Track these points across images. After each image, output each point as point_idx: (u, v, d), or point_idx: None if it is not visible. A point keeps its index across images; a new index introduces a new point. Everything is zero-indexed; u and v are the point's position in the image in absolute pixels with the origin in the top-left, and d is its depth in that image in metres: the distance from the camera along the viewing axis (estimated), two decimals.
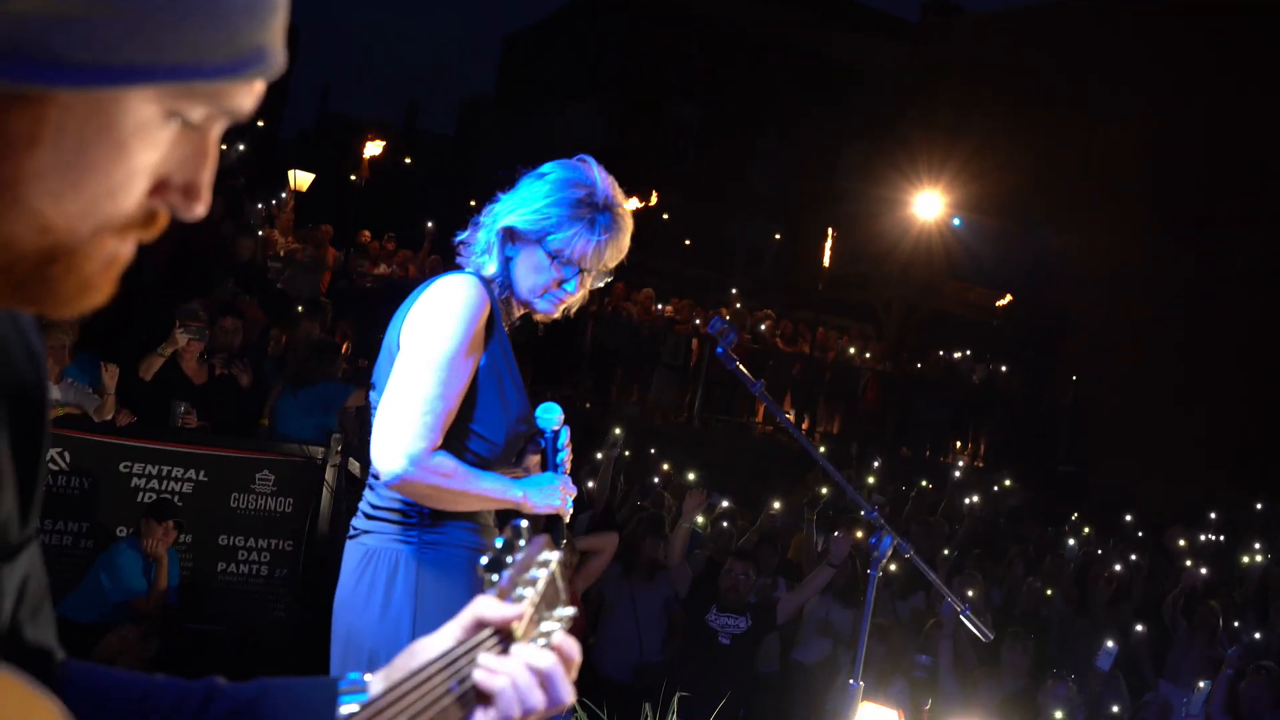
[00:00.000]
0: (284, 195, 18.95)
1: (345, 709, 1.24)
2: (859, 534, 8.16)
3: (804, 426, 16.92)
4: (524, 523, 1.37)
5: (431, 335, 2.73)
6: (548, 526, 2.88)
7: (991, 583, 10.27)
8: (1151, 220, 20.52)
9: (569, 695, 1.27)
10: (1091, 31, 22.42)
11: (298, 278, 14.24)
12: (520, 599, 1.29)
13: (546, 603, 1.33)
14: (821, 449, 15.96)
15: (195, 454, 7.28)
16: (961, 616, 3.19)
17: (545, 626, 1.31)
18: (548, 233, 2.82)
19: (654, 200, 24.51)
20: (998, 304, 22.90)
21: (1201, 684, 6.65)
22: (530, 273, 2.87)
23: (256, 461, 7.44)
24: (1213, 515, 15.20)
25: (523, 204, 2.84)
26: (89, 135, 0.87)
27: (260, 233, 14.10)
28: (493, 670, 1.25)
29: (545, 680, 1.25)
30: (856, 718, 5.63)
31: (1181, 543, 12.66)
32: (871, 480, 13.10)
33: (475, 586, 2.58)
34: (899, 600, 9.04)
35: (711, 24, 30.10)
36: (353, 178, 22.24)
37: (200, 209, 0.95)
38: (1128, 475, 18.31)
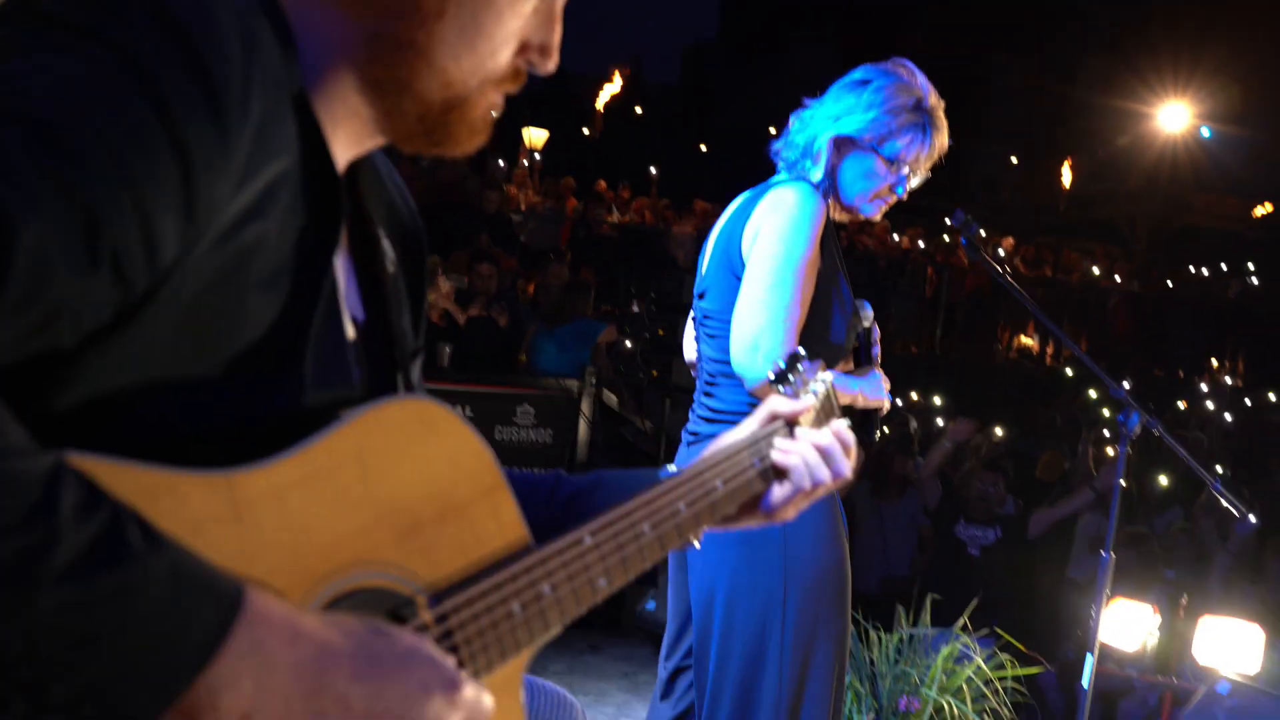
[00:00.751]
0: (520, 155, 19.62)
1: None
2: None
3: (1049, 353, 16.58)
4: (802, 350, 1.67)
5: (782, 244, 2.82)
6: (862, 421, 3.02)
7: (1257, 495, 9.98)
8: None
9: (849, 469, 1.55)
10: None
11: (540, 229, 14.80)
12: (805, 405, 1.59)
13: (825, 412, 1.63)
14: (1069, 371, 15.67)
15: (460, 391, 7.77)
16: (1213, 490, 3.26)
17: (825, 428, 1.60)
18: (883, 139, 2.89)
19: None
20: (1255, 213, 21.75)
21: None
22: (861, 178, 2.94)
23: (517, 396, 7.88)
24: None
25: (853, 111, 2.90)
26: (480, 7, 1.16)
27: (504, 188, 14.70)
28: (786, 450, 1.56)
29: (828, 455, 1.54)
30: (1109, 611, 5.69)
31: None
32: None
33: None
34: (1156, 516, 8.91)
35: None
36: (585, 131, 22.82)
37: (552, 65, 1.24)
38: None
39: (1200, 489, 9.27)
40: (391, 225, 1.33)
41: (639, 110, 24.57)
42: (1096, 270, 17.32)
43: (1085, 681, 3.10)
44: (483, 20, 1.16)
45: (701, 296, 3.01)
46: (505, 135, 20.20)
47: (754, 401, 2.85)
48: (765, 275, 2.81)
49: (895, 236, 16.13)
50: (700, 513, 1.46)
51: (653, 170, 18.46)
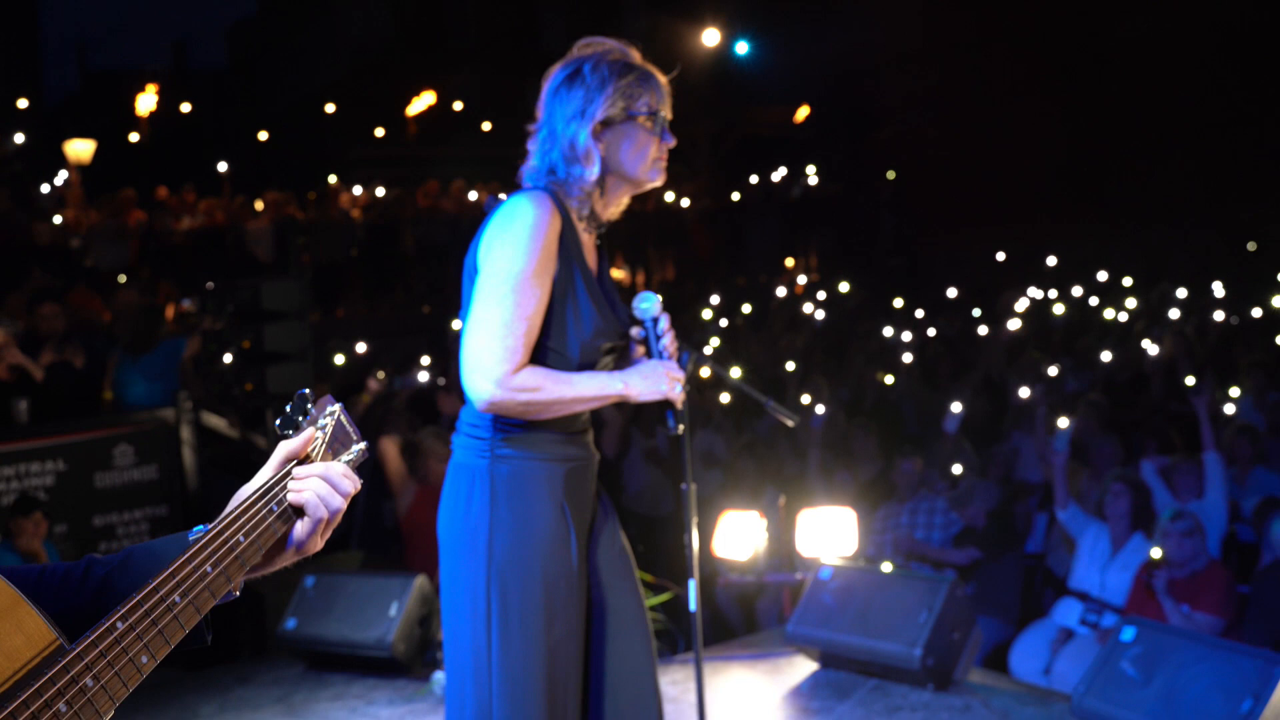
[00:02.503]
0: (64, 171, 18.32)
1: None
2: None
3: (639, 279, 17.29)
4: (308, 390, 1.80)
5: (498, 257, 2.84)
6: (662, 414, 3.04)
7: (839, 382, 10.87)
8: None
9: (355, 484, 1.71)
10: None
11: (105, 249, 13.93)
12: (314, 439, 1.72)
13: (339, 441, 1.77)
14: (659, 296, 16.28)
15: (49, 445, 7.31)
16: (766, 407, 3.58)
17: (343, 459, 1.76)
18: (630, 104, 2.93)
19: (433, 98, 24.23)
20: (797, 118, 23.37)
21: (1062, 423, 7.11)
22: (637, 149, 2.97)
23: (111, 438, 7.51)
24: (1051, 261, 16.20)
25: (592, 99, 2.92)
26: None
27: (57, 216, 13.72)
28: (298, 489, 1.69)
29: (335, 483, 1.69)
30: (719, 523, 6.10)
31: (1019, 304, 13.37)
32: (708, 315, 13.55)
33: (555, 494, 2.92)
34: (757, 420, 9.53)
35: None
36: (133, 136, 21.54)
37: None
38: (958, 247, 19.07)
39: (784, 388, 10.02)
40: None
41: (188, 107, 23.41)
42: (670, 195, 18.16)
43: (692, 605, 3.34)
44: None
45: (460, 316, 3.03)
46: (43, 155, 18.76)
47: (484, 418, 2.91)
48: (484, 293, 2.84)
49: (473, 195, 16.26)
50: (228, 568, 1.57)
51: (222, 167, 17.68)
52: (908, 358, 10.86)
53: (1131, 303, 13.15)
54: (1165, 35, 18.48)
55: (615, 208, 3.08)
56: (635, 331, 3.09)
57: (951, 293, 15.30)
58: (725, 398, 9.36)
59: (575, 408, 2.91)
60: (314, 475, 1.68)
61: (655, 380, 2.96)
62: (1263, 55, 18.05)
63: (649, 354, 3.07)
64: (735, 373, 9.50)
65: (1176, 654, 4.28)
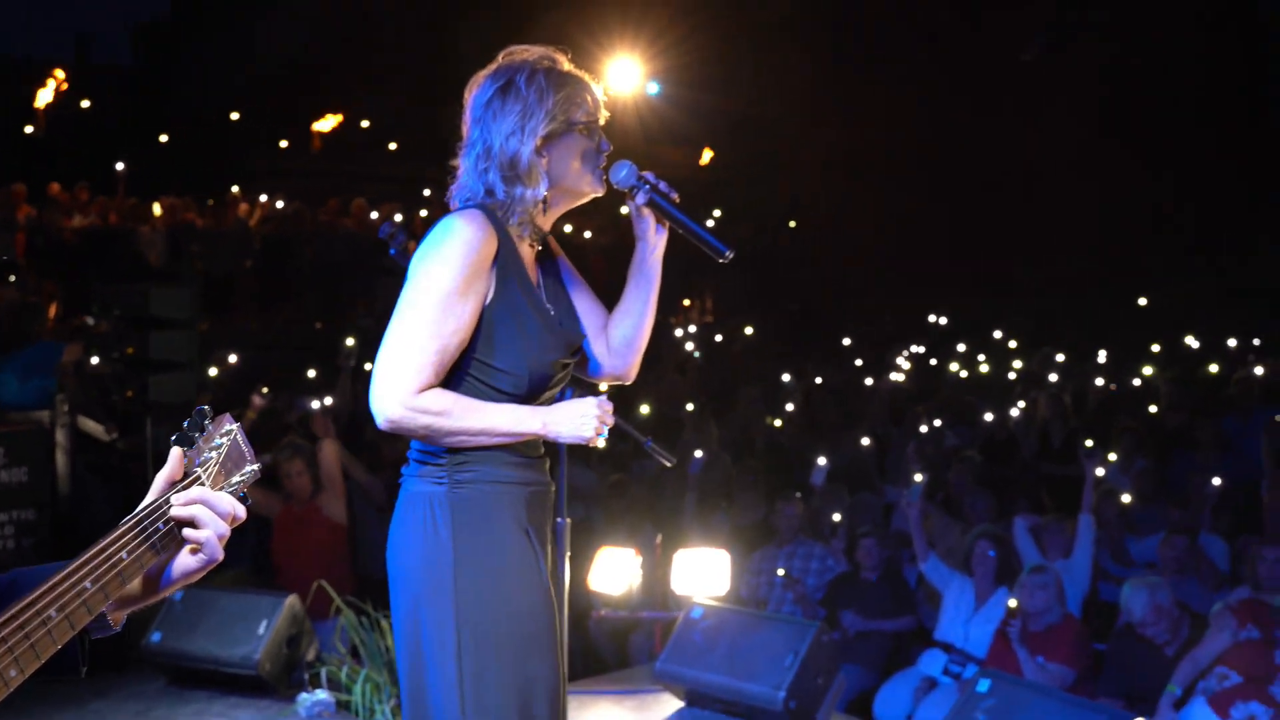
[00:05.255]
0: None
1: None
2: None
3: None
4: (207, 407, 1.79)
5: (422, 276, 2.73)
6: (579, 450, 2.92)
7: (727, 425, 10.98)
8: (835, 46, 21.52)
9: (234, 506, 1.72)
10: None
11: None
12: (207, 460, 1.72)
13: (232, 462, 1.77)
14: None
15: None
16: (645, 447, 3.64)
17: (235, 479, 1.76)
18: (567, 113, 2.84)
19: (341, 114, 24.05)
20: (701, 161, 23.64)
21: (918, 478, 7.37)
22: (578, 159, 2.88)
23: None
24: (942, 321, 16.59)
25: (531, 113, 2.82)
26: None
27: None
28: (179, 514, 1.70)
29: (213, 505, 1.70)
30: (597, 558, 6.15)
31: (902, 359, 13.70)
32: None
33: (518, 518, 2.81)
34: (635, 462, 9.54)
35: None
36: (29, 129, 21.04)
37: None
38: (853, 298, 19.42)
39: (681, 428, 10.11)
40: None
41: (87, 103, 22.92)
42: (569, 228, 18.21)
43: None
44: None
45: None
46: None
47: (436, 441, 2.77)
48: (401, 310, 2.75)
49: (375, 215, 16.15)
50: (107, 585, 1.56)
51: (119, 166, 17.36)
52: (790, 406, 11.04)
53: (1018, 364, 13.52)
54: (1055, 101, 19.16)
55: (553, 219, 3.00)
56: (637, 199, 2.95)
57: (845, 342, 15.58)
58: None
59: (483, 440, 2.75)
60: (195, 501, 1.69)
61: (579, 423, 2.79)
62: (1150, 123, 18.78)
63: (659, 217, 2.97)
64: (643, 410, 9.59)
65: (1028, 707, 4.41)
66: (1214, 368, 12.31)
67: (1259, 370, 11.26)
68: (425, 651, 2.76)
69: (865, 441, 9.77)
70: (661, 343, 15.43)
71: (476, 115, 2.88)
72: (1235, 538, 7.33)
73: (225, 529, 1.70)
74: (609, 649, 7.49)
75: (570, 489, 8.74)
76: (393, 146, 22.60)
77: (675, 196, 2.98)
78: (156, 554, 1.64)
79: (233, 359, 10.69)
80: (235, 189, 17.83)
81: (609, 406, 2.85)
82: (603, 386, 3.29)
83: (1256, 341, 14.05)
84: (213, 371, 10.46)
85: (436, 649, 2.74)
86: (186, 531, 1.67)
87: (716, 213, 20.60)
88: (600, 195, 2.99)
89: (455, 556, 2.74)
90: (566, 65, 2.94)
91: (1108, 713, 4.30)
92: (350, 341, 9.51)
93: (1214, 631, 5.64)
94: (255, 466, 1.82)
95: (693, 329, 16.98)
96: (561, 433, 2.80)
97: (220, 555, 1.69)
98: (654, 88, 21.43)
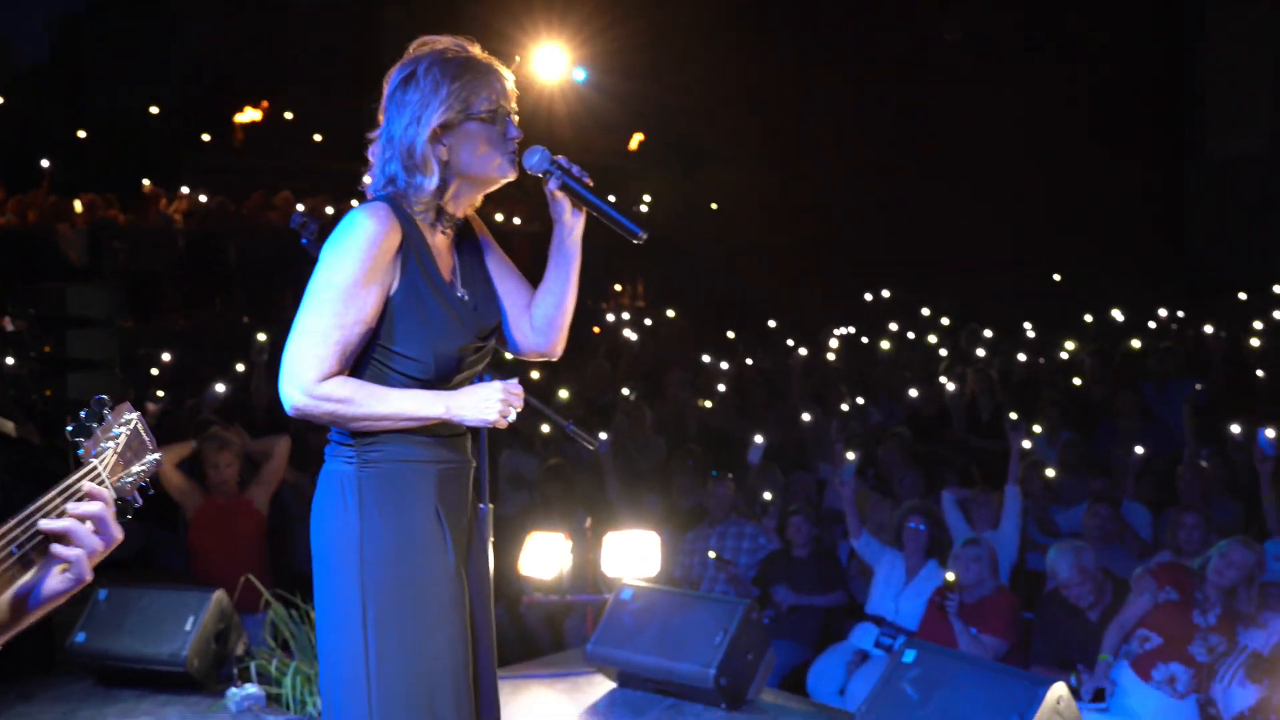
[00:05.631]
0: None
1: None
2: None
3: None
4: (105, 396, 1.74)
5: (325, 268, 2.81)
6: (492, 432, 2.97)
7: (661, 409, 11.00)
8: (764, 30, 21.59)
9: (118, 532, 1.62)
10: None
11: None
12: (104, 450, 1.67)
13: (132, 451, 1.72)
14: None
15: None
16: (567, 430, 3.64)
17: (135, 469, 1.71)
18: (468, 103, 2.87)
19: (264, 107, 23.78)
20: (631, 146, 23.62)
21: (850, 456, 7.42)
22: (482, 147, 2.91)
23: None
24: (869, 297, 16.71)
25: (428, 103, 2.86)
26: None
27: None
28: (77, 509, 1.65)
29: (100, 524, 1.61)
30: (527, 543, 6.15)
31: (832, 340, 13.80)
32: None
33: (426, 496, 2.87)
34: (570, 446, 9.54)
35: None
36: None
37: None
38: (779, 286, 19.51)
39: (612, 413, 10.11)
40: None
41: (0, 100, 22.43)
42: (499, 217, 18.14)
43: None
44: None
45: None
46: None
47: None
48: (306, 302, 2.82)
49: (301, 208, 15.96)
50: None
51: (45, 163, 17.01)
52: (722, 387, 11.08)
53: (934, 339, 13.70)
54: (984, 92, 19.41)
55: (471, 205, 3.05)
56: (550, 184, 2.99)
57: (771, 324, 15.66)
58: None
59: (388, 424, 2.83)
60: (70, 514, 1.64)
61: (483, 407, 2.85)
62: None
63: (574, 201, 2.99)
64: (563, 395, 9.57)
65: (953, 676, 4.47)
66: (1136, 342, 12.52)
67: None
68: (334, 621, 2.87)
69: (806, 417, 9.82)
70: (590, 327, 15.44)
71: (385, 106, 2.94)
72: (1159, 506, 7.47)
73: (98, 546, 1.63)
74: (543, 634, 7.49)
75: (514, 475, 8.84)
76: (317, 138, 22.35)
77: (588, 180, 3.01)
78: (24, 569, 1.58)
79: (166, 357, 10.55)
80: (146, 182, 17.43)
81: (518, 390, 2.90)
82: (534, 374, 3.35)
83: (1180, 314, 14.38)
84: (154, 371, 10.33)
85: (344, 619, 2.84)
86: (55, 548, 1.60)
87: (646, 198, 20.59)
88: (512, 181, 3.01)
89: (361, 532, 2.84)
90: (477, 53, 2.97)
91: (1029, 678, 4.37)
92: (262, 336, 9.42)
93: (1135, 595, 5.76)
94: (156, 456, 1.78)
95: (625, 315, 17.00)
96: (465, 416, 2.85)
97: (89, 576, 1.62)
98: (581, 74, 21.36)
